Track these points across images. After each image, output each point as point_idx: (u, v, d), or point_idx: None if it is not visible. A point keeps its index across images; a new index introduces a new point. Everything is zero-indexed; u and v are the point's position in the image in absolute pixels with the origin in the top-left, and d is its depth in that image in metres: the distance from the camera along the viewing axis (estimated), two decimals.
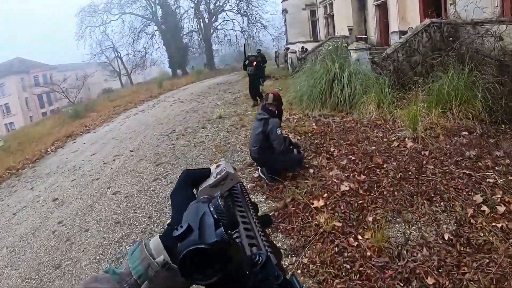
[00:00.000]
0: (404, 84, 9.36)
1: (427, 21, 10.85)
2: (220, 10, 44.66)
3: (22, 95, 49.45)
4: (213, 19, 44.51)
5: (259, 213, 0.82)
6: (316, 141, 7.11)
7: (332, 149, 6.54)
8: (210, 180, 0.80)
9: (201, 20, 44.28)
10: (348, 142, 6.76)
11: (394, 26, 16.95)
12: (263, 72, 14.80)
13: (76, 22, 42.82)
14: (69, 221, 6.53)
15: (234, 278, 0.55)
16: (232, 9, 44.18)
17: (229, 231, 0.56)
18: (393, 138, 6.67)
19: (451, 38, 10.37)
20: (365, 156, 6.01)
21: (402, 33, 14.84)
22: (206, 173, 0.83)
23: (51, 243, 5.94)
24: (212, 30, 44.62)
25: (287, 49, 22.30)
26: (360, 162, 5.78)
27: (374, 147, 6.35)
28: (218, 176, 0.79)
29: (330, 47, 10.60)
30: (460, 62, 8.01)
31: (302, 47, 22.38)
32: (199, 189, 0.80)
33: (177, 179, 0.80)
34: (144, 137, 11.30)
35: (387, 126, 7.43)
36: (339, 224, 4.19)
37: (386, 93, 8.31)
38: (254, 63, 12.42)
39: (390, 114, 7.84)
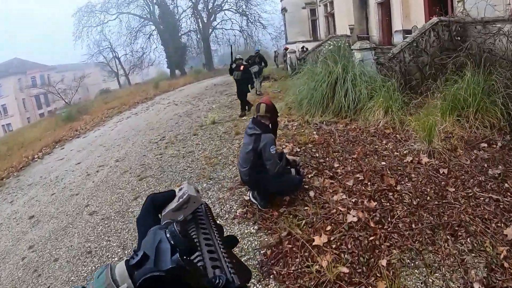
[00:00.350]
0: (412, 87, 8.55)
1: (435, 19, 10.09)
2: (218, 9, 44.17)
3: (20, 96, 48.95)
4: (211, 19, 44.09)
5: (225, 234, 0.84)
6: (317, 154, 6.33)
7: (336, 165, 5.76)
8: (173, 204, 0.79)
9: (199, 20, 43.84)
10: (354, 156, 5.97)
11: (397, 24, 16.26)
12: (257, 74, 14.52)
13: (73, 22, 42.57)
14: (40, 245, 5.87)
15: None
16: (231, 8, 43.77)
17: (185, 257, 0.56)
18: (405, 151, 5.89)
19: (459, 38, 9.69)
20: (374, 174, 5.24)
21: (406, 32, 14.49)
22: (170, 196, 0.82)
23: (19, 273, 5.31)
24: (210, 30, 44.19)
25: (286, 49, 21.71)
26: (369, 183, 5.01)
27: (384, 163, 5.58)
28: (180, 200, 0.79)
29: (331, 46, 9.77)
30: (475, 64, 7.20)
31: (302, 47, 21.78)
32: (163, 214, 0.79)
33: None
34: (133, 144, 10.66)
35: (397, 136, 6.67)
36: (346, 271, 3.40)
37: (394, 97, 7.53)
38: (242, 67, 11.28)
39: (399, 121, 7.07)
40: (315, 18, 27.35)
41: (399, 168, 5.36)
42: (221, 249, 0.72)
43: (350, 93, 8.08)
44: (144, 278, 0.52)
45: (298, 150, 6.63)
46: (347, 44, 9.57)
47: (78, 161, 10.64)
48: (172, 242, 0.59)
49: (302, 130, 7.81)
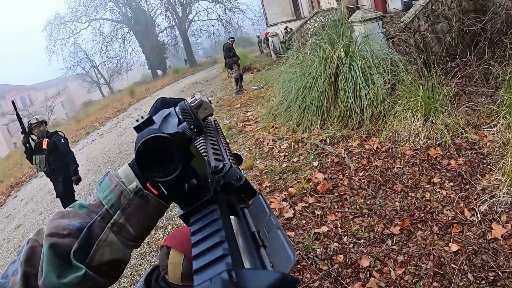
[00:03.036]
0: (434, 66, 5.60)
1: None
2: (193, 1, 42.01)
3: (2, 121, 46.60)
4: (187, 12, 41.81)
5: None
6: (324, 229, 3.46)
7: (364, 263, 2.93)
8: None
9: (174, 15, 41.72)
10: (394, 231, 3.19)
11: None
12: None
13: (45, 37, 41.37)
14: None
15: (196, 184, 0.51)
16: None
17: (192, 127, 0.52)
18: (483, 208, 3.13)
19: None
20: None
21: None
22: (181, 101, 0.68)
23: None
24: (188, 23, 42.01)
25: (268, 33, 18.86)
26: None
27: (456, 246, 2.87)
28: (192, 104, 0.74)
29: (317, 23, 7.07)
30: None
31: (286, 28, 19.09)
32: None
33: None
34: (78, 193, 7.80)
35: (452, 162, 3.91)
36: None
37: (432, 90, 4.72)
38: (45, 144, 5.67)
39: (449, 131, 4.29)
40: None
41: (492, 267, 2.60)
42: (225, 147, 0.72)
43: (362, 89, 5.24)
44: (149, 136, 0.46)
45: (292, 219, 3.77)
46: (344, 17, 6.67)
47: (19, 222, 8.13)
48: (180, 116, 0.55)
49: (296, 160, 4.98)
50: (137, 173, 0.58)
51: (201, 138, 0.69)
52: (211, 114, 0.82)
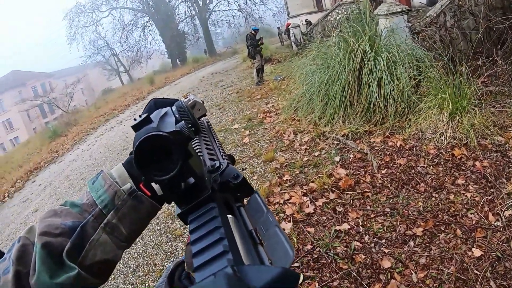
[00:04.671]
0: (461, 63, 5.44)
1: None
2: None
3: (22, 108, 47.56)
4: (207, 1, 41.57)
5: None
6: (345, 226, 3.39)
7: (385, 264, 2.85)
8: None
9: (194, 4, 41.45)
10: (417, 232, 3.10)
11: None
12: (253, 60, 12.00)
13: (66, 25, 42.91)
14: None
15: (193, 183, 0.51)
16: None
17: (190, 126, 0.52)
18: (508, 213, 3.04)
19: None
20: None
21: None
22: (174, 102, 0.71)
23: None
24: (208, 13, 41.76)
25: (289, 24, 18.61)
26: None
27: (479, 251, 2.79)
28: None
29: (340, 15, 6.95)
30: None
31: (306, 20, 18.77)
32: None
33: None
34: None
35: (477, 163, 3.79)
36: None
37: (459, 88, 4.58)
38: None
39: (475, 131, 4.17)
40: None
41: None
42: (219, 148, 0.74)
43: (387, 84, 5.12)
44: (148, 135, 0.46)
45: (313, 215, 3.71)
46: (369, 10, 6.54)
47: (37, 207, 8.21)
48: (177, 116, 0.56)
49: (317, 154, 4.92)
50: (131, 174, 0.58)
51: (196, 138, 0.70)
52: (204, 115, 0.84)
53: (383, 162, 4.21)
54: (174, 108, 0.59)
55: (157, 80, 27.02)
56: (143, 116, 0.52)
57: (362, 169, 4.20)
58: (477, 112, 4.39)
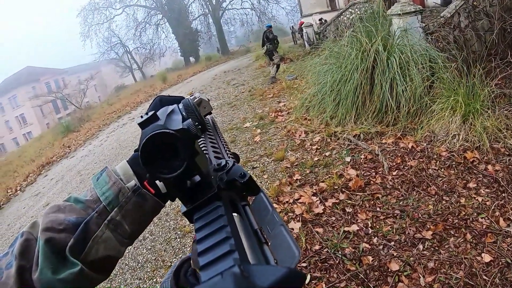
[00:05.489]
0: (476, 64, 5.34)
1: None
2: None
3: (36, 103, 48.23)
4: (221, 0, 41.52)
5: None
6: (357, 226, 3.37)
7: (393, 266, 2.82)
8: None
9: (207, 2, 41.48)
10: (426, 235, 3.06)
11: None
12: (269, 57, 12.08)
13: (79, 22, 42.05)
14: None
15: (199, 181, 0.52)
16: None
17: (197, 124, 0.53)
18: None
19: None
20: None
21: None
22: (180, 100, 0.71)
23: None
24: (221, 12, 41.76)
25: (302, 23, 18.55)
26: None
27: (489, 256, 2.75)
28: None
29: (353, 15, 6.94)
30: None
31: (320, 19, 18.83)
32: None
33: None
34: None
35: (490, 167, 3.74)
36: None
37: (473, 90, 4.52)
38: None
39: (488, 134, 4.11)
40: None
41: None
42: (225, 146, 0.74)
43: (399, 85, 5.08)
44: (155, 132, 0.46)
45: (322, 215, 3.69)
46: (382, 9, 6.50)
47: (48, 201, 8.30)
48: (184, 113, 0.56)
49: (328, 154, 4.89)
50: (136, 171, 0.59)
51: (201, 136, 0.70)
52: (210, 113, 0.84)
53: (394, 164, 4.18)
54: (181, 106, 0.59)
55: (169, 78, 27.15)
56: (150, 113, 0.51)
57: (373, 170, 4.16)
58: (490, 114, 4.31)
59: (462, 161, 3.94)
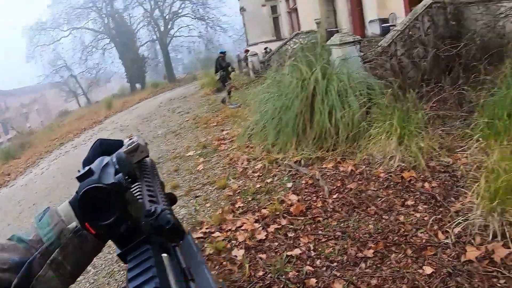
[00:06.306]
0: (409, 90, 5.67)
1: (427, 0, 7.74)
2: (175, 16, 41.85)
3: None
4: (169, 27, 41.71)
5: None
6: (296, 251, 3.40)
7: (337, 287, 2.86)
8: (121, 151, 0.77)
9: (156, 29, 41.57)
10: (367, 253, 3.15)
11: (371, 14, 14.37)
12: (222, 82, 12.56)
13: (25, 43, 40.66)
14: None
15: (129, 224, 0.56)
16: (188, 14, 41.56)
17: (127, 178, 0.58)
18: (457, 230, 3.12)
19: (455, 22, 7.65)
20: None
21: (382, 21, 13.16)
22: (119, 144, 0.83)
23: None
24: (169, 38, 41.89)
25: (247, 51, 18.97)
26: None
27: (430, 268, 2.84)
28: (129, 147, 0.82)
29: (297, 44, 7.51)
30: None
31: (265, 48, 19.30)
32: None
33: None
34: (31, 216, 7.56)
35: (426, 184, 3.95)
36: None
37: (407, 114, 4.77)
38: None
39: (423, 154, 4.32)
40: (277, 15, 25.06)
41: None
42: (160, 192, 0.78)
43: (338, 111, 5.27)
44: (89, 187, 0.53)
45: (265, 241, 3.69)
46: (322, 40, 6.79)
47: None
48: (117, 166, 0.61)
49: (270, 181, 4.94)
50: (77, 213, 0.60)
51: (137, 183, 0.74)
52: (147, 156, 0.89)
53: (334, 187, 4.29)
54: (114, 159, 0.63)
55: (115, 104, 26.50)
56: (86, 169, 0.60)
57: (314, 195, 4.25)
58: (425, 135, 4.55)
59: (400, 180, 4.11)
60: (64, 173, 10.22)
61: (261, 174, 5.25)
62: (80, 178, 0.58)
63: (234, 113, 9.75)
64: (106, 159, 0.64)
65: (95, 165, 0.62)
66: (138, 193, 0.71)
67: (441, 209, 3.50)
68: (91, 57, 41.31)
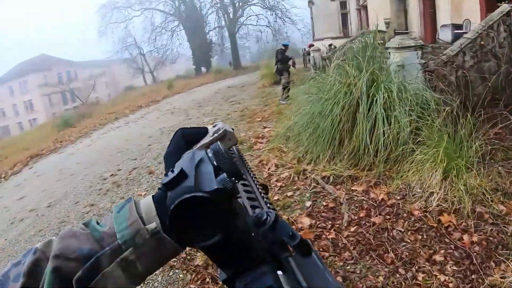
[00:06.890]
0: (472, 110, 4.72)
1: (505, 6, 6.58)
2: (245, 4, 41.77)
3: (45, 92, 48.68)
4: (238, 14, 41.77)
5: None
6: None
7: None
8: (206, 139, 0.71)
9: (225, 15, 41.73)
10: None
11: (444, 18, 13.29)
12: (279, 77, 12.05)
13: (97, 20, 43.64)
14: None
15: (237, 241, 0.43)
16: (257, 3, 40.99)
17: (233, 179, 0.44)
18: None
19: None
20: None
21: (455, 27, 11.90)
22: (203, 132, 0.74)
23: None
24: (238, 26, 41.89)
25: (311, 46, 18.28)
26: None
27: None
28: (215, 135, 0.72)
29: (356, 44, 6.55)
30: None
31: (330, 45, 18.46)
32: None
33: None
34: (81, 179, 7.90)
35: (466, 236, 3.17)
36: None
37: (460, 143, 3.98)
38: None
39: (471, 195, 3.52)
40: (346, 12, 24.04)
41: None
42: (259, 189, 0.62)
43: (381, 126, 4.55)
44: (184, 198, 0.40)
45: None
46: (379, 41, 6.04)
47: (24, 194, 8.32)
48: (215, 163, 0.47)
49: (290, 195, 4.37)
50: (159, 213, 0.49)
51: (238, 192, 0.55)
52: (235, 144, 0.77)
53: (356, 218, 3.63)
54: (210, 153, 0.49)
55: (176, 85, 27.16)
56: (176, 172, 0.44)
57: (330, 222, 3.63)
58: (478, 172, 3.73)
59: (435, 224, 3.37)
60: (106, 148, 10.50)
61: (283, 185, 4.71)
62: (170, 185, 0.42)
63: (282, 110, 9.24)
64: (199, 153, 0.49)
65: (185, 164, 0.46)
66: (238, 197, 0.54)
67: (473, 276, 2.75)
68: (160, 38, 42.43)
